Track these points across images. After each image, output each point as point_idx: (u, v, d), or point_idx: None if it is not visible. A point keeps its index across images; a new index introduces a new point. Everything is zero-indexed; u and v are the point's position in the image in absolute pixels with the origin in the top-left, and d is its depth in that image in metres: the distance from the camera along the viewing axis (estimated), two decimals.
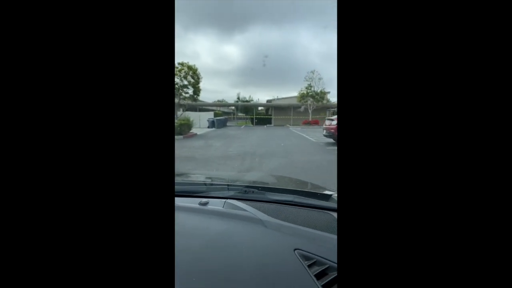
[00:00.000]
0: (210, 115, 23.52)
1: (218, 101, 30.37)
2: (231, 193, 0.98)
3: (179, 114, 16.29)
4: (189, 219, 0.76)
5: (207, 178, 1.44)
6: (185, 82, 14.46)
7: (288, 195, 0.96)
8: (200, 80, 14.92)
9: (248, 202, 0.88)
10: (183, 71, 14.36)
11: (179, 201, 0.87)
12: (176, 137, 12.37)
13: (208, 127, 20.41)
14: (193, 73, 14.52)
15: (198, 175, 1.63)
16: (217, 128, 20.24)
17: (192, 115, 19.18)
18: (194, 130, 15.39)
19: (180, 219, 0.73)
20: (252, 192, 0.98)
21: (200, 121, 21.15)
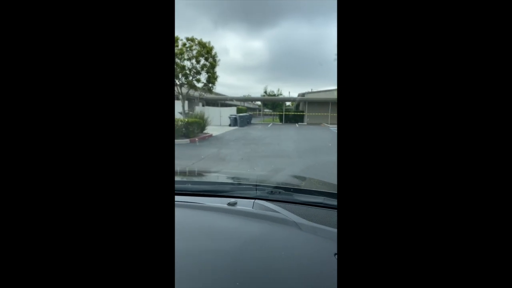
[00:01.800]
0: (233, 111, 20.08)
1: (243, 96, 26.82)
2: (259, 193, 0.95)
3: (197, 109, 12.70)
4: (219, 220, 0.73)
5: (234, 177, 1.38)
6: (197, 65, 10.76)
7: (317, 196, 0.93)
8: (217, 63, 11.20)
9: (277, 203, 0.85)
10: (194, 49, 10.65)
11: (206, 201, 0.86)
12: (177, 141, 8.85)
13: (230, 125, 17.31)
14: (207, 53, 10.77)
15: (223, 174, 1.62)
16: (240, 126, 16.83)
17: (211, 111, 15.79)
18: (210, 129, 11.79)
19: (209, 219, 0.72)
20: (278, 193, 0.95)
21: (220, 118, 18.11)
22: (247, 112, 21.58)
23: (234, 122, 17.14)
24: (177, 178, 1.20)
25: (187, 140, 9.01)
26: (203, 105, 19.65)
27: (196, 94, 12.30)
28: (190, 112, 11.92)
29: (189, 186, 1.11)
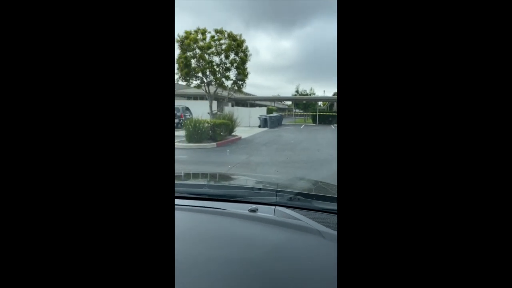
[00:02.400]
0: (263, 111, 19.00)
1: (273, 96, 25.60)
2: (279, 199, 0.92)
3: (225, 110, 11.77)
4: (241, 227, 0.71)
5: (255, 182, 1.41)
6: (225, 60, 9.74)
7: (335, 203, 0.89)
8: (248, 58, 10.10)
9: (298, 210, 0.83)
10: (222, 43, 9.65)
11: (227, 207, 0.83)
12: (203, 144, 7.90)
13: (260, 126, 16.25)
14: (238, 46, 9.71)
15: (244, 178, 1.56)
16: (270, 127, 15.65)
17: (240, 112, 14.83)
18: (239, 131, 10.76)
19: (230, 226, 0.71)
20: (298, 200, 0.93)
21: (250, 118, 17.09)
22: (277, 113, 20.33)
23: (264, 123, 16.08)
24: (196, 182, 1.29)
25: (213, 144, 8.03)
26: (232, 106, 18.83)
27: (225, 93, 11.32)
28: (219, 113, 10.96)
29: (208, 190, 1.08)
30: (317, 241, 0.65)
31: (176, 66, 9.51)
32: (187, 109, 15.93)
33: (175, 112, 13.88)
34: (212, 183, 1.33)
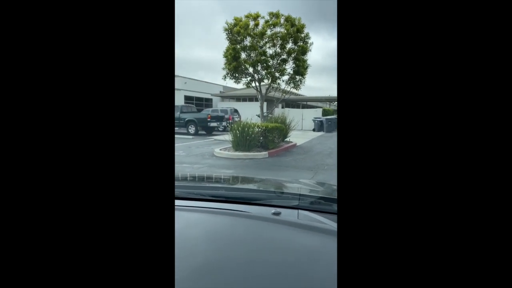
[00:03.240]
0: (317, 113, 16.85)
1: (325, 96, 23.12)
2: (301, 203, 0.91)
3: (276, 111, 10.10)
4: (265, 230, 0.69)
5: (276, 185, 1.38)
6: (281, 51, 8.00)
7: None
8: (309, 48, 8.23)
9: (322, 214, 0.82)
10: (278, 29, 7.93)
11: (250, 209, 0.82)
12: (252, 154, 6.30)
13: (314, 129, 14.21)
14: (297, 32, 7.91)
15: (266, 181, 1.55)
16: (327, 131, 13.58)
17: (292, 114, 13.05)
18: (293, 136, 8.95)
19: (254, 229, 0.69)
20: (320, 203, 0.93)
21: (303, 121, 15.18)
22: (334, 115, 17.96)
23: (319, 126, 14.03)
24: (217, 185, 1.25)
25: (264, 153, 6.42)
26: (282, 107, 17.17)
27: (276, 93, 9.62)
28: (270, 115, 9.36)
29: (231, 193, 1.08)
30: None
31: (223, 61, 8.20)
32: (236, 111, 14.85)
33: (224, 114, 12.84)
34: (235, 185, 1.31)
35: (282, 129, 7.72)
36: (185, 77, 18.41)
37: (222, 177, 1.55)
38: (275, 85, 8.72)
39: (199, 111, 14.04)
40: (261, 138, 6.78)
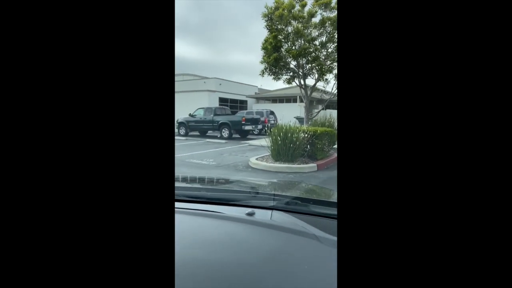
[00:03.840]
0: None
1: None
2: (276, 203, 0.90)
3: (315, 113, 8.64)
4: (238, 230, 0.70)
5: (252, 186, 1.35)
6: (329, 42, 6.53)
7: (334, 208, 0.87)
8: None
9: (295, 214, 0.82)
10: (327, 14, 6.48)
11: (224, 210, 0.82)
12: (298, 166, 4.95)
13: None
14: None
15: (240, 183, 1.54)
16: None
17: (335, 116, 11.41)
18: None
19: (227, 229, 0.70)
20: (295, 204, 0.93)
21: None
22: None
23: None
24: (194, 185, 1.28)
25: (313, 166, 5.06)
26: (323, 109, 15.54)
27: (315, 95, 8.14)
28: (314, 118, 7.94)
29: (206, 193, 1.08)
30: (314, 245, 0.64)
31: (261, 53, 7.01)
32: (272, 113, 13.66)
33: (259, 116, 11.72)
34: (210, 186, 1.32)
35: (333, 135, 6.27)
36: (219, 78, 17.75)
37: (197, 177, 1.51)
38: (323, 81, 7.27)
39: (233, 113, 13.13)
40: (307, 146, 5.42)
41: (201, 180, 1.44)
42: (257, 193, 1.07)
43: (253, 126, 11.01)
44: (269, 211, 0.83)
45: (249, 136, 11.36)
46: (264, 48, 6.82)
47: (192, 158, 6.19)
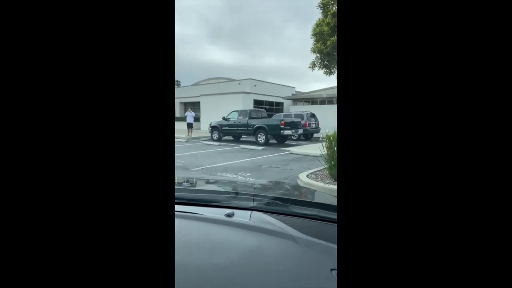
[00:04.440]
0: None
1: None
2: (256, 204, 0.90)
3: None
4: (216, 232, 0.70)
5: (232, 187, 1.40)
6: None
7: (312, 208, 0.93)
8: None
9: (274, 215, 0.81)
10: None
11: (204, 211, 0.81)
12: None
13: None
14: None
15: (221, 182, 1.60)
16: None
17: None
18: None
19: (206, 231, 0.70)
20: (275, 204, 0.92)
21: None
22: None
23: None
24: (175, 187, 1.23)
25: None
26: None
27: None
28: None
29: (186, 194, 1.04)
30: (290, 246, 0.64)
31: (311, 42, 5.74)
32: (312, 115, 12.24)
33: (299, 120, 10.38)
34: (190, 187, 1.29)
35: None
36: (254, 79, 16.77)
37: (176, 178, 1.39)
38: None
39: (268, 116, 11.97)
40: None
41: (180, 181, 1.33)
42: (237, 193, 1.07)
43: (293, 131, 9.72)
44: (249, 212, 0.82)
45: (287, 142, 10.11)
46: (316, 33, 5.53)
47: (225, 170, 5.13)
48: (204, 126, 15.81)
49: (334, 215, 0.81)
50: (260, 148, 8.39)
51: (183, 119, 18.34)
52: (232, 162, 5.99)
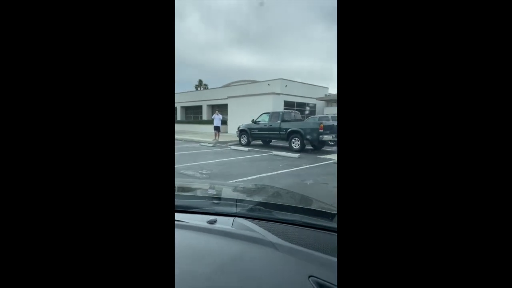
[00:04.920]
0: None
1: None
2: (239, 210, 0.90)
3: None
4: (198, 239, 0.69)
5: (215, 192, 1.32)
6: None
7: (295, 214, 0.90)
8: None
9: (256, 222, 0.81)
10: None
11: (186, 218, 0.80)
12: None
13: None
14: None
15: (204, 188, 1.49)
16: None
17: None
18: None
19: (188, 239, 0.69)
20: (258, 210, 0.92)
21: None
22: None
23: None
24: None
25: None
26: None
27: None
28: None
29: None
30: (270, 253, 0.64)
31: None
32: None
33: (330, 123, 9.08)
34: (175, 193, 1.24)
35: None
36: (285, 79, 15.69)
37: None
38: None
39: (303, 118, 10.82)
40: None
41: None
42: (220, 199, 1.05)
43: (333, 136, 8.48)
44: (231, 218, 0.81)
45: (324, 148, 8.90)
46: None
47: None
48: (231, 130, 15.05)
49: (316, 221, 0.81)
50: (296, 155, 7.28)
51: (210, 122, 17.85)
52: (268, 174, 4.97)
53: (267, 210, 0.91)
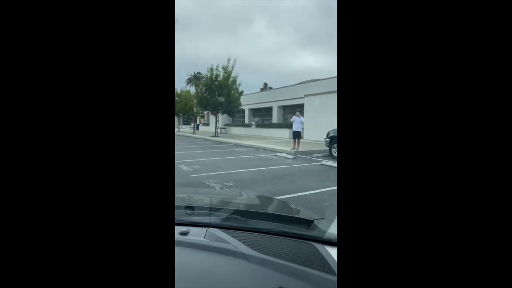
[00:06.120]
0: None
1: None
2: (213, 219, 0.89)
3: None
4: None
5: (190, 199, 1.29)
6: None
7: (271, 223, 0.90)
8: None
9: (230, 232, 0.81)
10: None
11: None
12: None
13: None
14: None
15: (179, 197, 1.35)
16: None
17: None
18: None
19: None
20: (234, 219, 0.90)
21: None
22: None
23: None
24: None
25: None
26: None
27: None
28: None
29: None
30: (241, 265, 0.64)
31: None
32: None
33: None
34: None
35: None
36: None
37: None
38: None
39: None
40: None
41: None
42: (193, 209, 1.00)
43: None
44: (205, 229, 0.80)
45: None
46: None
47: None
48: (308, 135, 12.39)
49: (292, 229, 0.80)
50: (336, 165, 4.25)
51: (281, 126, 15.60)
52: None
53: (242, 219, 0.88)
